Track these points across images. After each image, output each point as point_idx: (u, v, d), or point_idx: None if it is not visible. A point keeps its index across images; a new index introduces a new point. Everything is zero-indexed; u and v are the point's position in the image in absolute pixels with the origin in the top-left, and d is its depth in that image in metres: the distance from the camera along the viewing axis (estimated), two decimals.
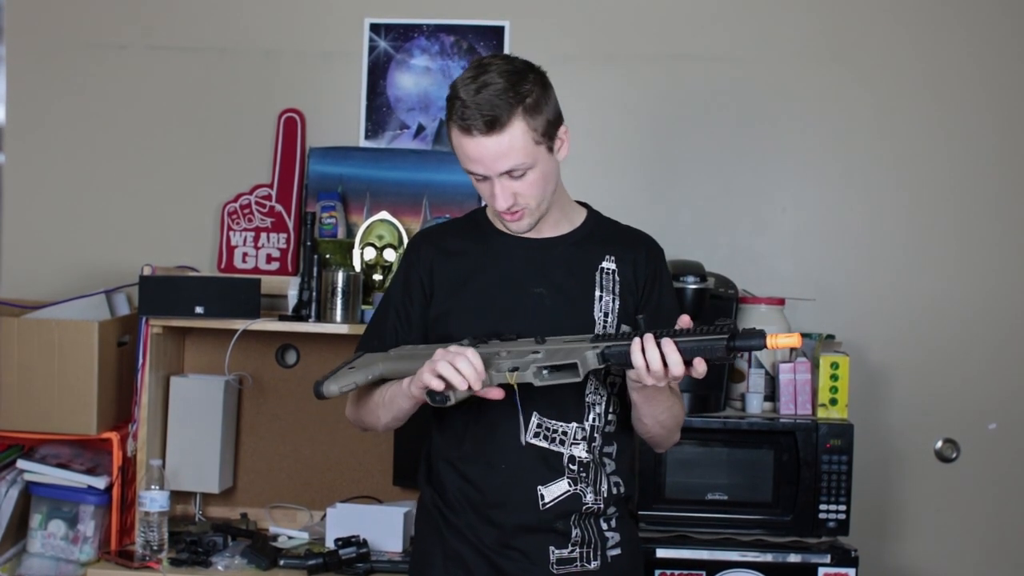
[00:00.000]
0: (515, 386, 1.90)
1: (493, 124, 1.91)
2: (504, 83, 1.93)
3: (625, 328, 2.00)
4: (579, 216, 2.15)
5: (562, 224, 2.11)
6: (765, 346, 1.77)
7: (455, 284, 2.08)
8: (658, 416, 2.02)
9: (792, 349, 3.03)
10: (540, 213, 2.03)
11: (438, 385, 1.87)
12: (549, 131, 1.98)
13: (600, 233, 2.13)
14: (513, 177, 1.96)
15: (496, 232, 2.12)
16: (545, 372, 1.88)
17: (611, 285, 2.07)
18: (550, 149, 2.00)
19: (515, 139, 1.93)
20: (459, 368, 1.85)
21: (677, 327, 1.84)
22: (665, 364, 1.81)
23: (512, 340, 1.94)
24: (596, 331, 2.01)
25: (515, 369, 1.88)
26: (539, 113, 1.96)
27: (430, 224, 3.11)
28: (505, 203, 1.97)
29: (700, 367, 1.81)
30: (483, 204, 2.17)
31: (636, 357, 1.82)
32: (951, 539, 3.20)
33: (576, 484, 2.03)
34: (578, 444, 2.04)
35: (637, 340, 1.82)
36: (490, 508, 2.05)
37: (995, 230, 3.21)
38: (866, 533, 3.09)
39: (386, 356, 2.05)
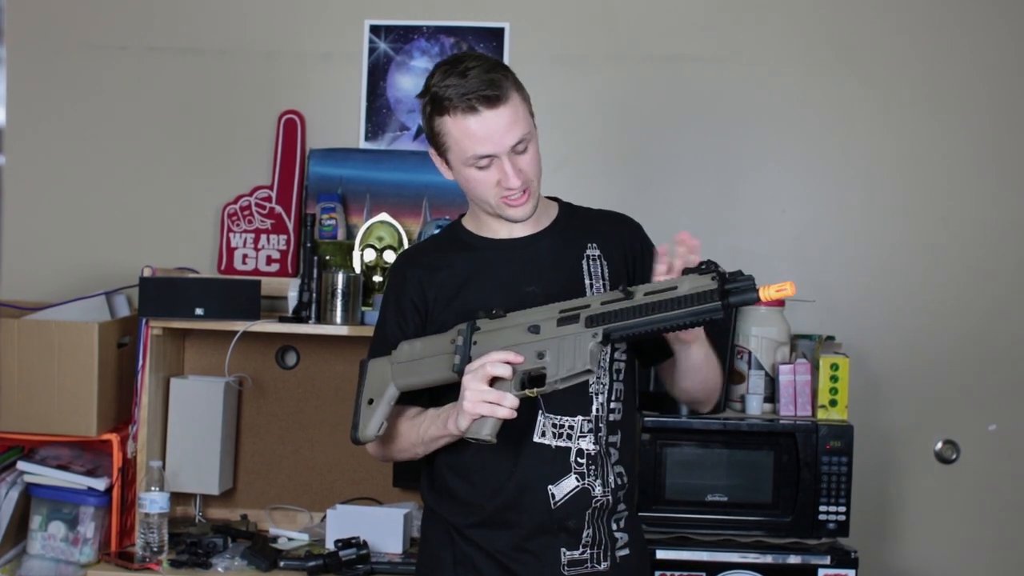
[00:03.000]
0: (539, 397, 1.95)
1: (497, 95, 1.95)
2: (485, 64, 1.99)
3: (614, 294, 1.93)
4: (553, 210, 2.16)
5: (541, 219, 2.12)
6: (759, 299, 1.77)
7: (448, 297, 2.08)
8: (701, 371, 2.05)
9: (792, 349, 3.03)
10: (538, 195, 2.06)
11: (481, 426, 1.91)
12: (531, 107, 2.05)
13: (577, 221, 2.14)
14: (517, 152, 1.99)
15: (478, 239, 2.12)
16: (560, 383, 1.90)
17: (599, 271, 2.08)
18: (535, 125, 2.05)
19: (517, 108, 1.99)
20: (494, 402, 1.88)
21: (656, 266, 1.88)
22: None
23: (501, 317, 1.95)
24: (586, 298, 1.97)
25: (533, 385, 1.91)
26: (523, 89, 2.03)
27: (432, 226, 3.12)
28: (518, 180, 1.99)
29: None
30: (459, 216, 2.18)
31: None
32: (951, 540, 3.20)
33: (584, 479, 2.03)
34: (585, 437, 2.03)
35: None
36: (501, 511, 2.04)
37: (995, 230, 3.21)
38: (866, 534, 3.09)
39: (392, 366, 2.04)
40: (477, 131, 1.96)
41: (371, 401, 2.04)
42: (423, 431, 2.03)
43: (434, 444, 2.04)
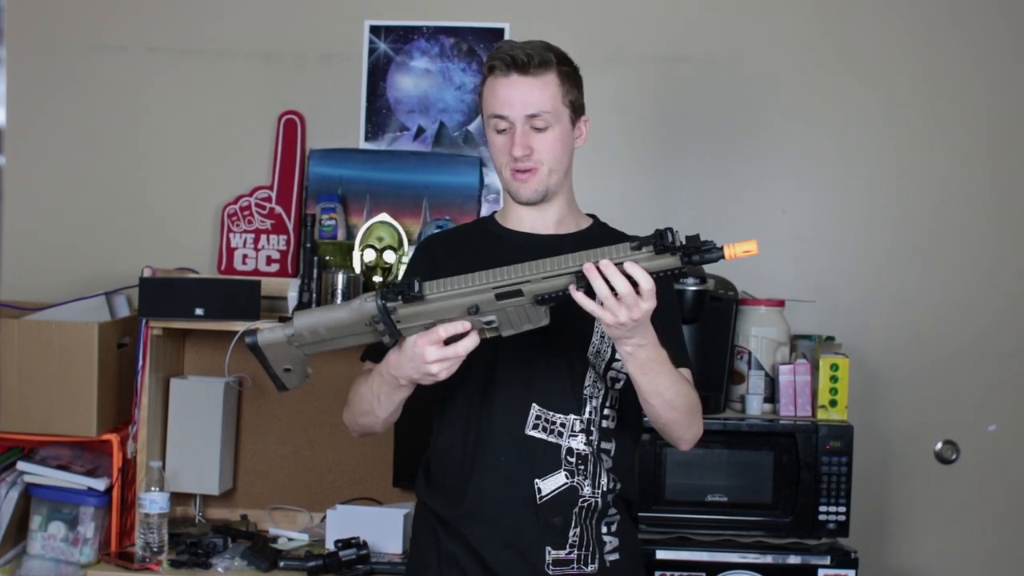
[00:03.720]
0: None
1: (529, 64, 2.03)
2: (547, 45, 2.08)
3: (557, 264, 1.85)
4: (585, 223, 2.19)
5: (568, 223, 2.15)
6: (724, 257, 1.77)
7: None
8: (663, 394, 1.94)
9: (792, 350, 3.03)
10: (548, 183, 2.07)
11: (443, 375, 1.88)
12: (575, 107, 2.10)
13: (604, 238, 2.14)
14: (535, 128, 2.04)
15: (502, 229, 2.15)
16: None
17: None
18: (572, 123, 2.09)
19: (547, 88, 2.05)
20: (449, 357, 1.85)
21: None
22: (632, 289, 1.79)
23: (418, 296, 1.83)
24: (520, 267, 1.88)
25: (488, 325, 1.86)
26: (571, 85, 2.09)
27: (434, 221, 3.12)
28: (521, 150, 2.03)
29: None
30: (492, 212, 2.21)
31: (581, 296, 1.80)
32: (951, 540, 3.20)
33: (573, 476, 2.03)
34: (576, 436, 2.04)
35: (585, 287, 1.79)
36: (487, 503, 2.05)
37: (995, 230, 3.22)
38: (866, 534, 3.09)
39: (295, 348, 1.94)
40: (499, 91, 2.04)
41: (288, 369, 1.96)
42: (376, 388, 2.01)
43: (388, 400, 2.00)
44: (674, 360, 1.97)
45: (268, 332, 1.92)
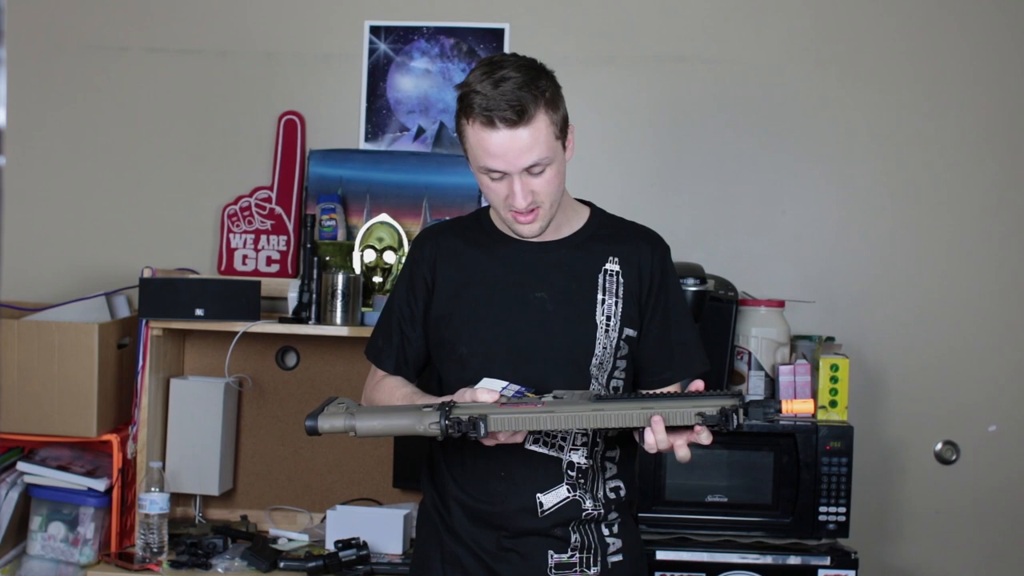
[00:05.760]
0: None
1: (520, 116, 1.89)
2: (523, 77, 1.91)
3: (631, 409, 1.87)
4: (581, 217, 2.12)
5: (564, 227, 2.09)
6: (781, 412, 1.80)
7: (457, 286, 2.08)
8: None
9: (792, 350, 3.03)
10: (551, 215, 2.00)
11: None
12: (563, 129, 1.98)
13: (603, 233, 2.10)
14: (532, 174, 1.93)
15: (499, 235, 2.10)
16: None
17: (614, 288, 2.05)
18: (563, 147, 1.99)
19: (539, 132, 1.91)
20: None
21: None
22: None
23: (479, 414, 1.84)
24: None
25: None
26: (556, 109, 1.96)
27: (432, 222, 3.11)
28: (524, 201, 1.94)
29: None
30: (486, 204, 2.14)
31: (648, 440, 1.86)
32: (951, 541, 3.20)
33: (575, 490, 2.03)
34: (577, 449, 2.04)
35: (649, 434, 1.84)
36: (489, 515, 2.05)
37: (994, 231, 3.22)
38: (866, 535, 3.09)
39: (372, 413, 1.93)
40: (491, 147, 1.91)
41: (344, 407, 1.95)
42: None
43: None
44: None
45: (328, 422, 1.90)
